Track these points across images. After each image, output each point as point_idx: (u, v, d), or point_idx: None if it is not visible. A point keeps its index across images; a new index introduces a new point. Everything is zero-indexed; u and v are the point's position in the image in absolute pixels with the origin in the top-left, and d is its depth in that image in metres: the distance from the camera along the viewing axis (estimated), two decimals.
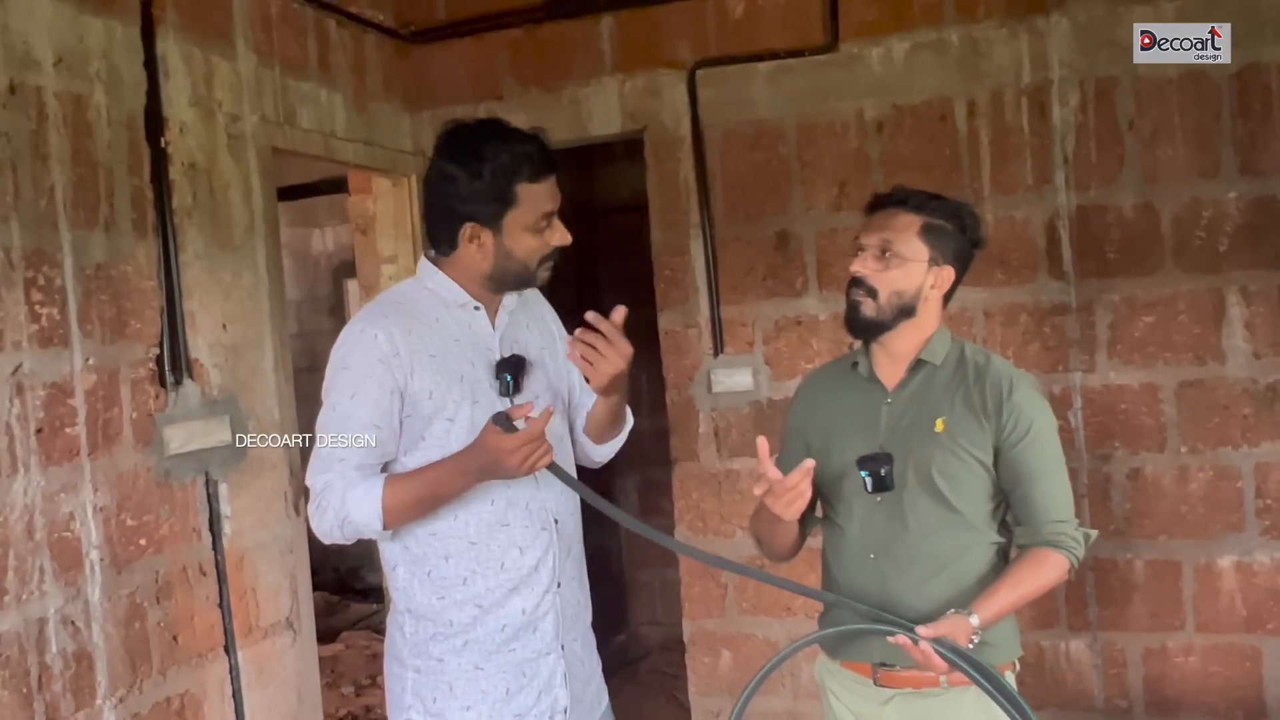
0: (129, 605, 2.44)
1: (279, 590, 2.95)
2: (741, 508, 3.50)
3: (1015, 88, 3.20)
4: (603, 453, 2.08)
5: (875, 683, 1.96)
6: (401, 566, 1.88)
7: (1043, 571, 1.88)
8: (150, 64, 2.60)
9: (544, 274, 1.89)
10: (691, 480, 3.58)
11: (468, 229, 1.81)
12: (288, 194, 5.25)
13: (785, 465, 2.04)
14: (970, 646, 1.78)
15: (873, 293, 1.94)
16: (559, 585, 1.90)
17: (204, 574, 2.69)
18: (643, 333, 4.47)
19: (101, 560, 2.37)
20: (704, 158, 3.49)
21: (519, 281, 1.89)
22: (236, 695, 2.75)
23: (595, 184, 5.48)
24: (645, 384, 5.27)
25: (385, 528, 1.79)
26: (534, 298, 2.04)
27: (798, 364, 3.39)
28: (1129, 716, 3.20)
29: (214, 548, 2.71)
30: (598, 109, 3.60)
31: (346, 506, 1.77)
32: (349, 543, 1.87)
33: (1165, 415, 3.13)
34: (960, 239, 1.97)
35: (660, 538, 1.91)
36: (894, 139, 3.32)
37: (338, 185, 5.05)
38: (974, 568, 1.92)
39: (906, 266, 1.93)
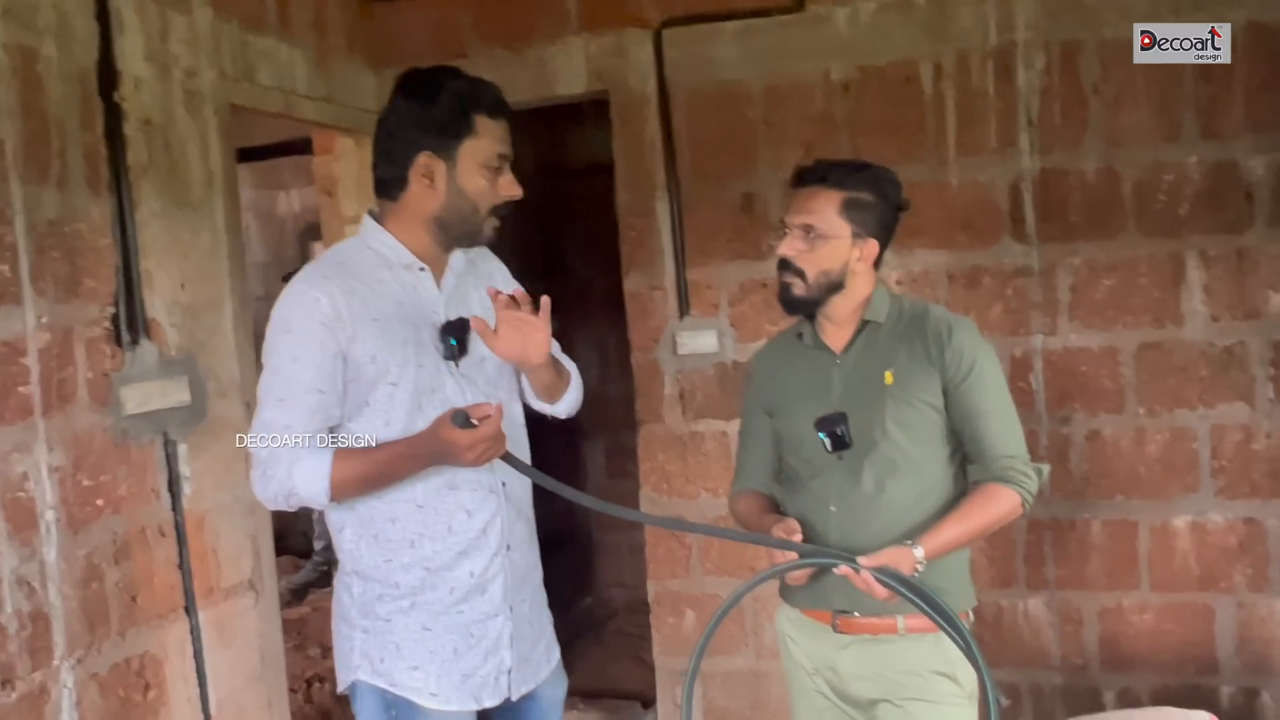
0: (86, 566, 2.43)
1: (240, 551, 2.94)
2: (706, 469, 3.51)
3: (981, 50, 3.19)
4: (562, 408, 2.03)
5: (834, 629, 2.01)
6: (349, 528, 1.87)
7: (991, 506, 1.91)
8: (103, 16, 2.54)
9: (490, 228, 1.86)
10: (656, 442, 3.59)
11: (421, 159, 1.78)
12: (252, 155, 5.18)
13: (749, 440, 2.19)
14: (914, 576, 1.83)
15: (800, 274, 1.99)
16: (508, 548, 1.89)
17: (163, 535, 2.67)
18: (609, 295, 4.50)
19: (57, 520, 2.35)
20: (670, 119, 3.46)
21: (466, 229, 1.84)
22: (198, 656, 2.74)
23: (563, 145, 5.44)
24: (612, 347, 5.27)
25: (331, 501, 1.78)
26: (482, 256, 2.00)
27: (762, 326, 3.39)
28: (1085, 673, 3.26)
29: (174, 509, 2.69)
30: (563, 68, 3.56)
31: (293, 479, 1.75)
32: (293, 510, 1.86)
33: (1124, 378, 3.16)
34: (883, 207, 2.01)
35: (615, 509, 1.89)
36: (860, 101, 3.30)
37: (304, 147, 4.98)
38: (932, 516, 1.95)
39: (830, 244, 1.97)
